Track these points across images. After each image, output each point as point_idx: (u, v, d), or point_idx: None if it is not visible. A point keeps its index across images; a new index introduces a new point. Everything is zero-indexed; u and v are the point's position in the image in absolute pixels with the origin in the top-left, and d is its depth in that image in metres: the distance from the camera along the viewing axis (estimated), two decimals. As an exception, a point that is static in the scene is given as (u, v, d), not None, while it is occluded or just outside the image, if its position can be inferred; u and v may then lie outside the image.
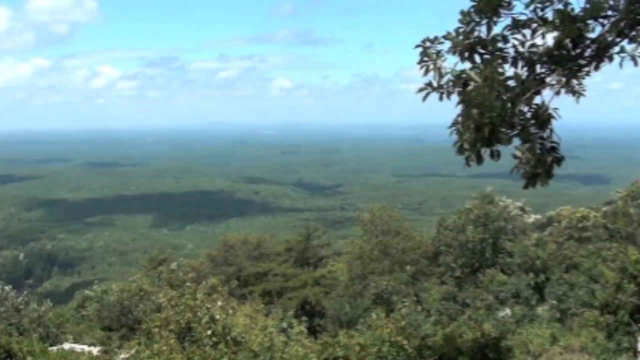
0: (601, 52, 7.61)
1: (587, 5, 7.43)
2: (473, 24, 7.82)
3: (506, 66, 7.78)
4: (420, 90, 7.96)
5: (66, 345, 25.02)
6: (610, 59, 7.63)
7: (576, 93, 7.97)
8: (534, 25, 7.69)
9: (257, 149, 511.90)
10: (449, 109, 7.76)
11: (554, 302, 29.44)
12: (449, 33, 7.91)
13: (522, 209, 44.26)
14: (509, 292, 31.73)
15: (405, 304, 29.22)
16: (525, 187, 7.74)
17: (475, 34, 7.85)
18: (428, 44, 8.02)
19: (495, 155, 7.65)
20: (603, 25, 7.50)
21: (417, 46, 8.03)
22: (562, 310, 28.15)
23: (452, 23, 8.03)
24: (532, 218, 43.52)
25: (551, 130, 7.67)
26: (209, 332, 17.59)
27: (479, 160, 7.63)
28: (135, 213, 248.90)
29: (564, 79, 7.83)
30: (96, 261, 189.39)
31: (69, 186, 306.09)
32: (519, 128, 7.54)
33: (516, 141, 7.67)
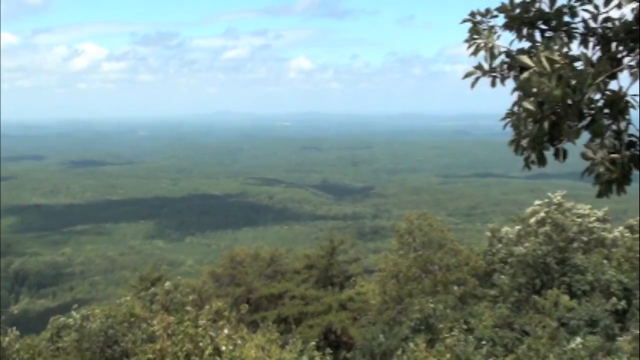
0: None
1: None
2: (533, -7, 7.77)
3: (574, 45, 7.72)
4: (469, 74, 7.91)
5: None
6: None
7: (660, 78, 7.88)
8: (609, -6, 7.61)
9: (272, 144, 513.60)
10: (504, 95, 7.72)
11: (637, 331, 29.25)
12: (503, 5, 7.85)
13: (603, 219, 43.46)
14: (581, 319, 31.53)
15: (454, 333, 29.22)
16: (600, 195, 7.60)
17: (537, 5, 7.79)
18: (478, 17, 7.96)
19: (561, 154, 7.55)
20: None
21: (465, 21, 7.97)
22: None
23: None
24: (616, 232, 42.74)
25: (628, 122, 7.56)
26: (213, 366, 17.63)
27: (541, 161, 7.55)
28: (124, 222, 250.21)
29: (645, 60, 7.75)
30: (75, 280, 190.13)
31: (43, 189, 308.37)
32: (588, 119, 7.43)
33: (585, 136, 7.56)
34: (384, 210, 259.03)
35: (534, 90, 6.89)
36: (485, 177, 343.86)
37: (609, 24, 7.66)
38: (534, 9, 7.75)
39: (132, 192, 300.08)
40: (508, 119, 7.44)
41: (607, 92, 7.39)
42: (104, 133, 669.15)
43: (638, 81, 7.42)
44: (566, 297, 33.29)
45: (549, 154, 7.53)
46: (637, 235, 43.23)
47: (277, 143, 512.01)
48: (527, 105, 6.97)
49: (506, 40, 7.87)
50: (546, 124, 7.16)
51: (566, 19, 7.78)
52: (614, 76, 7.42)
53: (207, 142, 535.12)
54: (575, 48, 7.65)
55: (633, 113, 7.55)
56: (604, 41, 7.68)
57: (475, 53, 7.85)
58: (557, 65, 6.83)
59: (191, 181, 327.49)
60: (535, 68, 6.92)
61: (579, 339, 29.24)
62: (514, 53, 7.69)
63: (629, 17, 7.58)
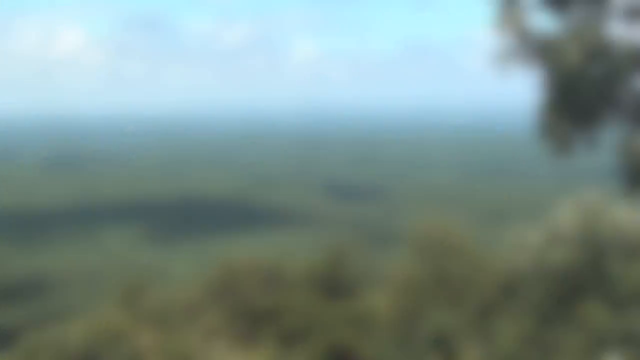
0: None
1: None
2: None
3: (612, 24, 7.63)
4: (497, 54, 7.84)
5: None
6: None
7: None
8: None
9: (271, 139, 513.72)
10: (531, 86, 7.59)
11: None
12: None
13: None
14: (616, 334, 31.44)
15: (473, 349, 29.24)
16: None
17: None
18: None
19: (593, 143, 7.47)
20: None
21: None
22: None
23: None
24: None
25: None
26: (206, 387, 17.61)
27: (571, 150, 7.48)
28: (107, 226, 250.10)
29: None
30: (52, 292, 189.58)
31: (17, 191, 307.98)
32: (626, 107, 7.35)
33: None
34: (396, 213, 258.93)
35: (569, 72, 6.83)
36: (508, 176, 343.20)
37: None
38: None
39: (116, 194, 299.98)
40: (538, 105, 7.37)
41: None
42: (85, 128, 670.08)
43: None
44: (600, 310, 33.21)
45: (579, 147, 7.46)
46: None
47: (277, 138, 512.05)
48: (562, 88, 6.91)
49: (539, 20, 7.81)
50: (579, 110, 7.08)
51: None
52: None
53: (199, 138, 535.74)
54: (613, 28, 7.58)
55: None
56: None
57: (505, 33, 7.77)
58: (594, 46, 6.76)
59: (182, 182, 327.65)
60: (570, 48, 6.85)
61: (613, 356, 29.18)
62: (546, 33, 7.62)
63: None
